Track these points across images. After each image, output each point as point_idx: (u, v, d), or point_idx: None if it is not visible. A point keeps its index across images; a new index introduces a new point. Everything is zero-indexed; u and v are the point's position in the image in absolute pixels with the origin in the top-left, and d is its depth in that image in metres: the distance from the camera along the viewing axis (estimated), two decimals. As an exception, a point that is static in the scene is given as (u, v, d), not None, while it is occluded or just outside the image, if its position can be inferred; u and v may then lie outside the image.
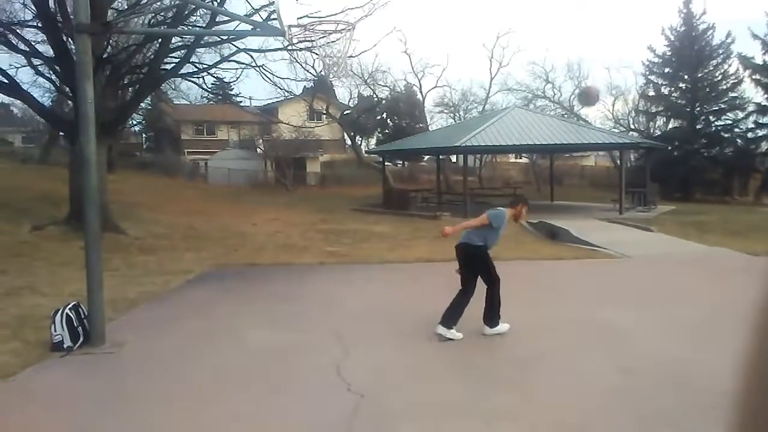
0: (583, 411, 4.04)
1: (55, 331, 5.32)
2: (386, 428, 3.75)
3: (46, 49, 13.94)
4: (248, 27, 10.56)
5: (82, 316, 5.54)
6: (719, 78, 30.87)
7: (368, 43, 50.47)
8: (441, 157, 29.39)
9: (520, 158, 42.50)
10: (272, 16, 12.35)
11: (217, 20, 13.63)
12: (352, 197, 26.44)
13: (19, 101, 18.20)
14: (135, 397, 4.32)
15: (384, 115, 43.60)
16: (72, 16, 9.27)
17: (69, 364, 5.07)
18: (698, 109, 30.97)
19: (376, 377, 4.66)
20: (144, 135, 44.33)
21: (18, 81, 13.84)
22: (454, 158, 35.45)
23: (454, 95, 39.73)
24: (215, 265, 10.04)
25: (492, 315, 5.73)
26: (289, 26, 6.00)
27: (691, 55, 30.54)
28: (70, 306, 5.51)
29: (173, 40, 14.71)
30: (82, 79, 5.47)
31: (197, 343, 5.62)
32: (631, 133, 33.23)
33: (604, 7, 67.59)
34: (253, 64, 16.73)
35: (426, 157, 39.65)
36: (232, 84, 32.62)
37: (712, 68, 30.96)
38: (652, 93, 33.29)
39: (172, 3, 13.24)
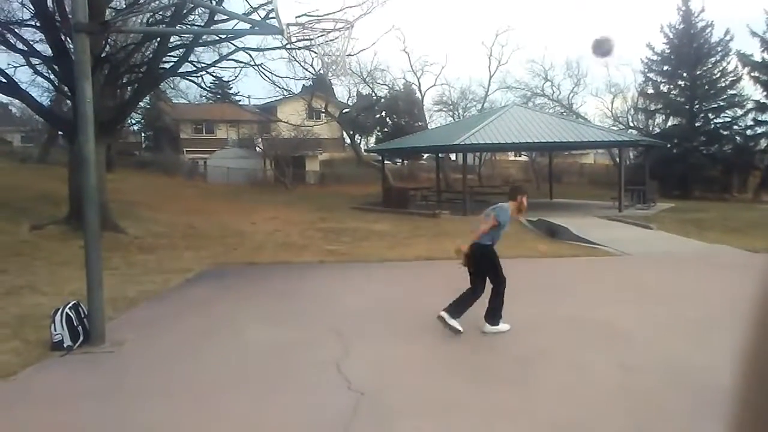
0: (582, 408, 4.04)
1: (55, 330, 5.33)
2: (386, 425, 3.76)
3: (45, 49, 13.95)
4: (247, 26, 10.57)
5: (82, 316, 5.55)
6: (718, 75, 30.84)
7: (367, 42, 50.09)
8: (440, 155, 29.40)
9: (520, 156, 42.49)
10: (271, 15, 12.31)
11: (215, 19, 13.64)
12: (351, 196, 26.45)
13: (17, 101, 18.24)
14: (135, 396, 4.32)
15: (383, 114, 43.62)
16: (70, 15, 9.23)
17: (69, 363, 5.07)
18: (697, 106, 30.96)
19: (376, 374, 4.67)
20: (143, 134, 44.32)
21: (16, 80, 13.88)
22: (453, 156, 35.46)
23: (453, 93, 39.76)
24: (214, 264, 10.05)
25: (494, 314, 5.73)
26: (288, 25, 6.01)
27: (689, 53, 30.51)
28: (70, 305, 5.52)
29: (172, 39, 14.71)
30: (81, 79, 5.47)
31: (197, 342, 5.63)
32: (630, 130, 33.25)
33: (602, 5, 67.59)
34: (252, 63, 16.76)
35: (425, 156, 39.69)
36: (230, 83, 32.49)
37: (710, 66, 30.93)
38: (651, 90, 33.26)
39: (171, 2, 13.20)
